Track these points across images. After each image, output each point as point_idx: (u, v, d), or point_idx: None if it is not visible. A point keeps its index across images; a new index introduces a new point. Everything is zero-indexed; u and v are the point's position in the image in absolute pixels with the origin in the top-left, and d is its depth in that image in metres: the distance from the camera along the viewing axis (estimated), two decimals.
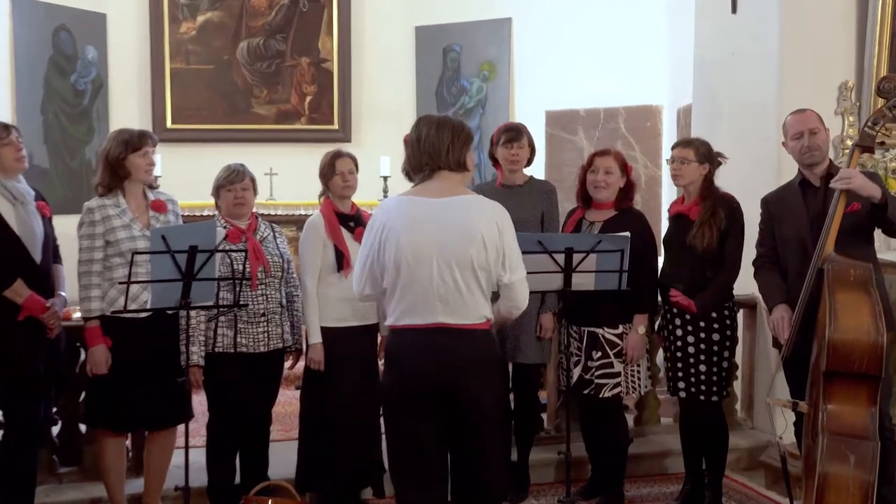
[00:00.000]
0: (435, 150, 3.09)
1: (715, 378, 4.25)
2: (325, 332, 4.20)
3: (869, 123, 3.74)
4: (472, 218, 3.04)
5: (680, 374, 4.30)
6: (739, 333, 4.55)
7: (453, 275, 3.01)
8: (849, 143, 5.20)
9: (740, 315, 5.01)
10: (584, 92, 8.61)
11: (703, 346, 4.24)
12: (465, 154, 3.13)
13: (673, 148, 4.43)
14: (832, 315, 3.33)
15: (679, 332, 4.30)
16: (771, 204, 4.14)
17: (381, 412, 3.43)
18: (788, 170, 4.42)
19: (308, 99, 9.58)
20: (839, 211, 3.62)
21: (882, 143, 3.78)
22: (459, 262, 3.01)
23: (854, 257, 3.56)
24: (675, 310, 4.31)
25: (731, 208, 4.22)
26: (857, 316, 3.33)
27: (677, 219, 4.36)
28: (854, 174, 3.63)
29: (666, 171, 8.62)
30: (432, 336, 3.03)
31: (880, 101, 3.90)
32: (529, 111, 8.72)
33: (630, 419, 5.16)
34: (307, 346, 4.24)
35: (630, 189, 4.43)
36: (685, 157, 4.28)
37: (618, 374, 4.31)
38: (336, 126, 9.55)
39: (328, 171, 4.32)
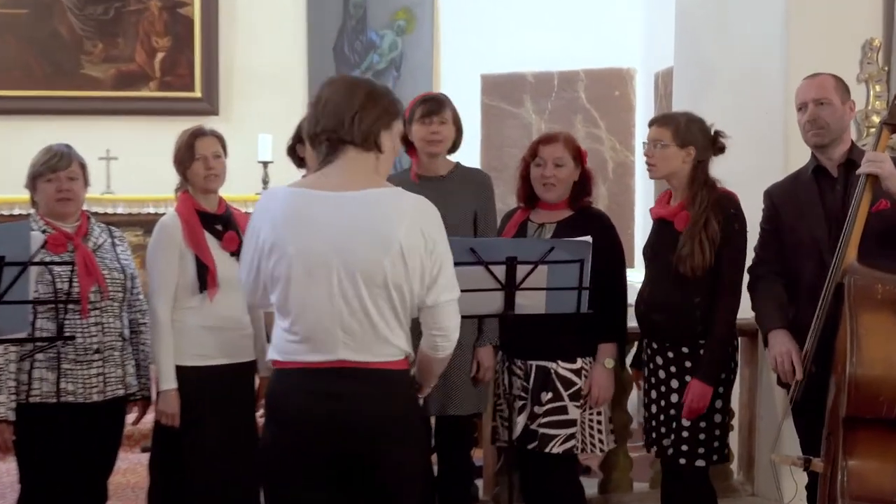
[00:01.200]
0: (337, 114, 3.05)
1: (702, 436, 4.27)
2: (183, 373, 4.17)
3: None
4: (388, 218, 3.02)
5: (662, 429, 4.34)
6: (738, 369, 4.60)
7: (359, 294, 2.99)
8: (875, 118, 5.31)
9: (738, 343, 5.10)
10: (533, 50, 8.68)
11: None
12: (379, 127, 3.09)
13: (649, 125, 4.45)
14: (854, 344, 3.40)
15: (661, 374, 4.34)
16: (776, 197, 4.22)
17: (261, 482, 3.41)
18: (797, 155, 4.50)
19: (160, 56, 9.50)
20: (863, 207, 3.70)
21: None
22: (368, 277, 2.99)
23: (882, 268, 3.63)
24: (654, 344, 4.36)
25: (727, 215, 4.21)
26: (886, 344, 3.40)
27: (660, 225, 4.41)
28: (884, 158, 3.72)
29: (640, 157, 8.75)
30: (331, 378, 3.01)
31: None
32: (460, 75, 8.77)
33: (593, 485, 5.21)
34: (157, 393, 4.20)
35: (587, 182, 4.48)
36: (659, 139, 4.29)
37: (572, 423, 4.34)
38: (198, 94, 9.48)
39: (185, 154, 4.29)
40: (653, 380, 4.38)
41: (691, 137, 4.28)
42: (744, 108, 5.53)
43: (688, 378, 4.25)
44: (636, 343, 4.62)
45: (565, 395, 4.34)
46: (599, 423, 4.42)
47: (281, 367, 3.10)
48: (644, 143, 4.44)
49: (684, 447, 4.27)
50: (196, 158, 4.27)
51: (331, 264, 2.99)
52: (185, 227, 4.20)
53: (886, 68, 5.41)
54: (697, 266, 4.14)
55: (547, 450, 4.32)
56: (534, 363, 4.37)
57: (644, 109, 8.71)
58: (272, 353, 3.13)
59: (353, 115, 3.05)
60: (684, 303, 4.24)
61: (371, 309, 3.01)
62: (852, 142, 4.15)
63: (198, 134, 4.32)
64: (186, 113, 8.69)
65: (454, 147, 4.62)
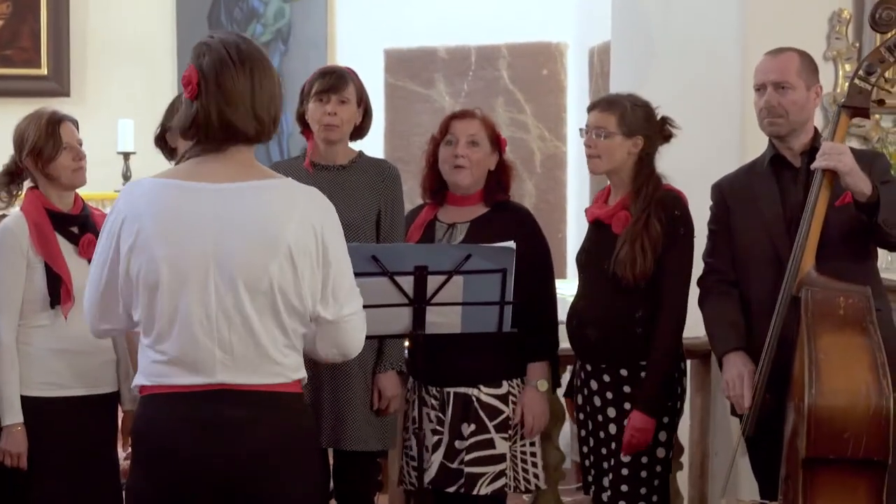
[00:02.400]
0: (243, 108, 3.01)
1: (645, 474, 4.32)
2: (30, 405, 4.15)
3: (861, 73, 3.93)
4: (275, 215, 3.03)
5: (604, 465, 4.38)
6: (687, 396, 4.67)
7: (241, 305, 3.00)
8: None
9: (687, 366, 5.18)
10: (447, 21, 8.71)
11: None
12: (278, 107, 3.09)
13: (589, 110, 4.49)
14: (814, 369, 3.44)
15: (596, 401, 4.40)
16: (727, 191, 4.30)
17: None
18: (756, 144, 4.54)
19: None
20: (820, 207, 3.79)
21: (881, 102, 3.94)
22: (251, 284, 2.99)
23: (845, 274, 3.74)
24: (588, 367, 4.42)
25: (671, 216, 4.26)
26: (851, 370, 3.46)
27: (596, 227, 4.46)
28: (843, 149, 3.82)
29: (573, 146, 8.82)
30: (208, 404, 3.02)
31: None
32: (360, 49, 8.77)
33: None
34: None
35: (505, 174, 4.55)
36: (602, 127, 4.31)
37: (501, 458, 4.39)
38: (44, 71, 9.41)
39: (48, 143, 4.18)
40: (588, 408, 4.43)
41: (638, 125, 4.33)
42: (694, 89, 5.52)
43: (627, 406, 4.30)
44: (570, 368, 4.67)
45: (490, 425, 4.39)
46: (533, 454, 4.49)
47: (148, 393, 3.08)
48: (581, 129, 4.46)
49: (624, 487, 4.32)
50: (63, 147, 4.19)
51: (207, 270, 2.98)
52: (33, 231, 4.16)
53: (857, 45, 5.44)
54: (638, 272, 4.18)
55: (475, 491, 4.37)
56: (451, 390, 4.42)
57: (577, 91, 8.73)
58: (138, 378, 3.11)
59: (261, 104, 3.04)
60: (623, 317, 4.30)
61: (255, 322, 3.01)
62: (816, 129, 4.24)
63: (57, 119, 4.24)
64: (30, 94, 8.61)
65: (360, 132, 4.62)
